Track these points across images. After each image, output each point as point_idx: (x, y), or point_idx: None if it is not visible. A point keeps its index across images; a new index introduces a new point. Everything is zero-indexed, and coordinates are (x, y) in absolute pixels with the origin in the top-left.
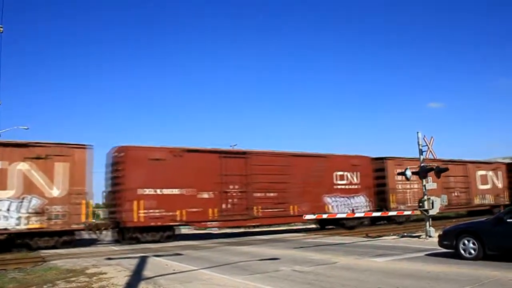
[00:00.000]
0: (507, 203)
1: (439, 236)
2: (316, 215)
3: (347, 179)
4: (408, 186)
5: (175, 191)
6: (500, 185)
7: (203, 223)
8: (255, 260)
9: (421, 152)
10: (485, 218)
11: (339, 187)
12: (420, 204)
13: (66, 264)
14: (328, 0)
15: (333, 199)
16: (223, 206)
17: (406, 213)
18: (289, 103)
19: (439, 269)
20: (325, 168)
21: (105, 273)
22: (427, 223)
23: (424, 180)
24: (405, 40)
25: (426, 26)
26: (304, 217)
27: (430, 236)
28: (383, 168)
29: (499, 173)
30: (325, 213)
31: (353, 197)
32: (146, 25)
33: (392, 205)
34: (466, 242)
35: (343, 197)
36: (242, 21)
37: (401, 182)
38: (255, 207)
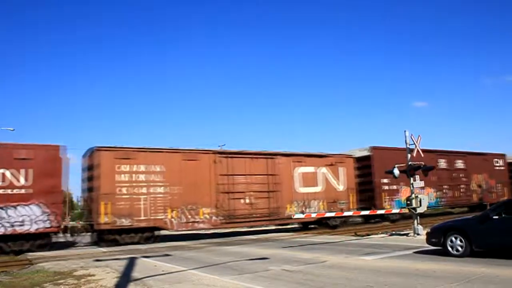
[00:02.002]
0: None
1: (427, 233)
2: (305, 215)
3: (4, 180)
4: (143, 191)
5: None
6: (341, 187)
7: None
8: (245, 260)
9: (408, 150)
10: (472, 216)
11: None
12: (408, 202)
13: (54, 267)
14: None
15: None
16: None
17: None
18: (279, 102)
19: (427, 266)
20: None
21: (93, 275)
22: (415, 221)
23: (411, 179)
24: (390, 39)
25: (411, 27)
26: (293, 216)
27: (418, 234)
28: (92, 166)
29: (342, 170)
30: (314, 212)
31: (14, 207)
32: (139, 22)
33: (103, 219)
34: (453, 239)
35: None
36: (237, 17)
37: (128, 184)
38: None
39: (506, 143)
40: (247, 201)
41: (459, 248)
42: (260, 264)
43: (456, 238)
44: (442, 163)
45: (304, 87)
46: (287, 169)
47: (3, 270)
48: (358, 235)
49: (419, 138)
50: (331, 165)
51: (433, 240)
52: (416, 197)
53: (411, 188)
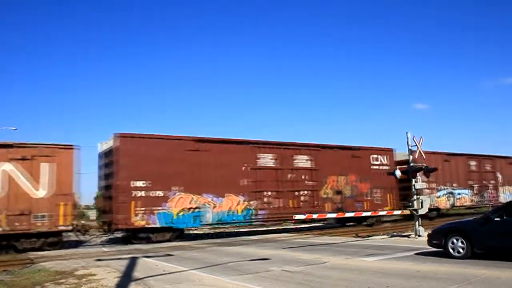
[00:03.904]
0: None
1: (428, 235)
2: (307, 215)
3: None
4: None
5: None
6: (43, 192)
7: None
8: (246, 261)
9: (410, 152)
10: (474, 217)
11: None
12: (410, 203)
13: (55, 266)
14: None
15: None
16: None
17: None
18: (278, 102)
19: (428, 268)
20: None
21: (94, 275)
22: (417, 223)
23: (413, 180)
24: (391, 40)
25: (410, 28)
26: (294, 217)
27: (419, 236)
28: None
29: (48, 167)
30: (315, 212)
31: None
32: (139, 21)
33: None
34: (454, 241)
35: None
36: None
37: None
38: None
39: (509, 145)
40: None
41: (460, 250)
42: (261, 265)
43: (457, 240)
44: (267, 160)
45: (303, 88)
46: None
47: (5, 269)
48: (359, 236)
49: (421, 139)
50: (25, 159)
51: (435, 241)
52: (418, 198)
53: (413, 189)
